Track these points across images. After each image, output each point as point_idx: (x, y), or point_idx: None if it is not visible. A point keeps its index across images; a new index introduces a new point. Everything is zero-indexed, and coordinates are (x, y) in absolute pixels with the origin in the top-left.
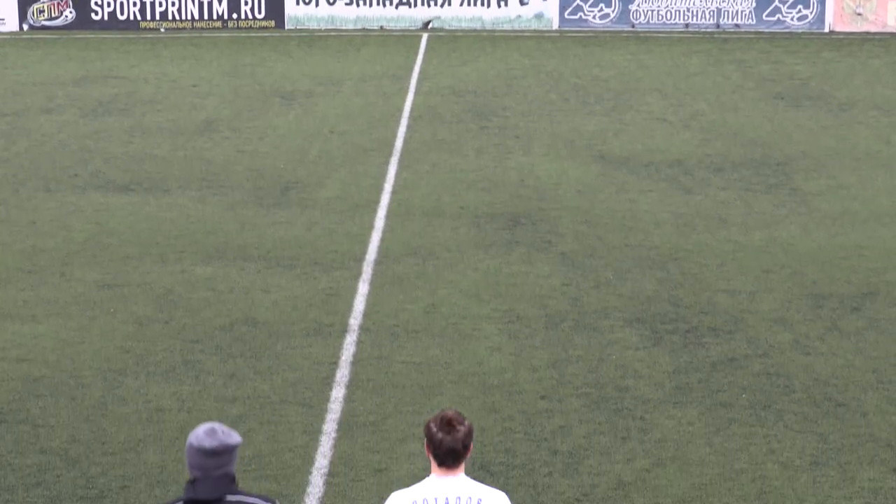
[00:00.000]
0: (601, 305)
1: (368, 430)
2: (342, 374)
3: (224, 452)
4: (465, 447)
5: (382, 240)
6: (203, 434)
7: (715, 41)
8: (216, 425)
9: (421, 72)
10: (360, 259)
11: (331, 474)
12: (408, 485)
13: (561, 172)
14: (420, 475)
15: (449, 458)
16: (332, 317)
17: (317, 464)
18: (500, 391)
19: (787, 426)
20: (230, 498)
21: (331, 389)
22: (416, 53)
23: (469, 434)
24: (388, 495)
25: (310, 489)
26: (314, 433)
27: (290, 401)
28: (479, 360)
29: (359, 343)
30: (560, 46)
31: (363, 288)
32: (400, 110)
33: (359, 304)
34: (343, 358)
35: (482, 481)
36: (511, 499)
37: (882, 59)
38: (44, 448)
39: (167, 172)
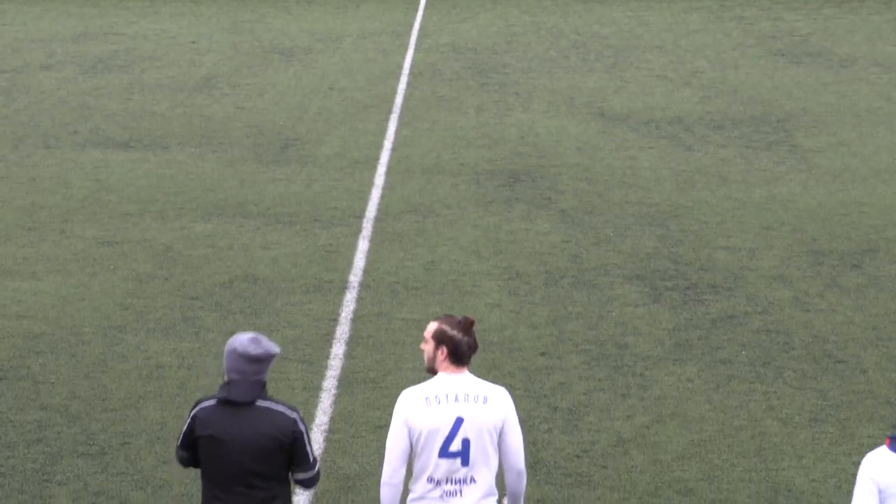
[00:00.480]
0: (601, 262)
1: (368, 387)
2: (342, 330)
3: (266, 360)
4: (475, 347)
5: (382, 197)
6: (248, 341)
7: None
8: (258, 334)
9: (421, 28)
10: (359, 216)
11: (331, 431)
12: None
13: (561, 129)
14: None
15: (465, 356)
16: (331, 273)
17: (317, 420)
18: (500, 348)
19: (786, 383)
20: (260, 403)
21: (331, 346)
22: (415, 10)
23: (474, 335)
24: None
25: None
26: (314, 390)
27: (290, 357)
28: (479, 316)
29: (359, 300)
30: (560, 3)
31: (363, 244)
32: (400, 67)
33: (359, 260)
34: (343, 314)
35: None
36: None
37: (883, 16)
38: (44, 404)
39: (166, 129)
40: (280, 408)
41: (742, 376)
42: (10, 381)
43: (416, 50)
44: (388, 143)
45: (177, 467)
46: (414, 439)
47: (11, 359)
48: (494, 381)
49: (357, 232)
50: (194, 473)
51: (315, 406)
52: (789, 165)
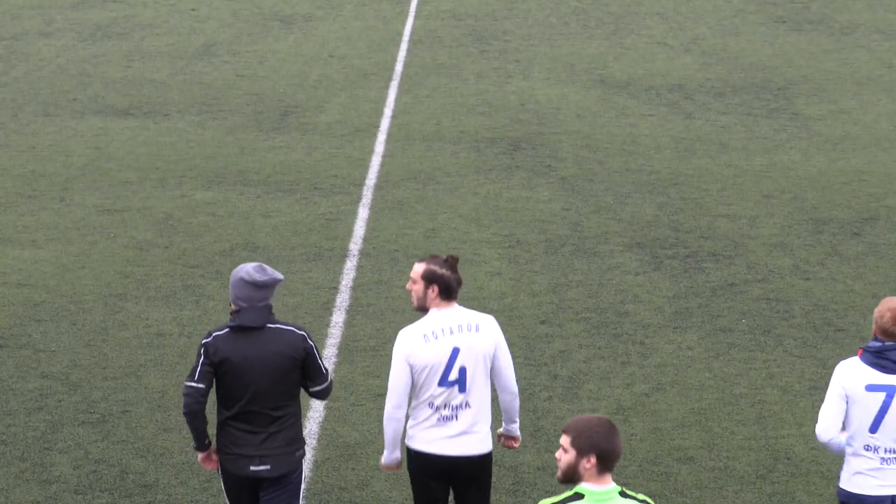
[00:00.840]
0: (601, 230)
1: (368, 355)
2: (342, 298)
3: (272, 285)
4: (461, 283)
5: (382, 164)
6: (252, 269)
7: None
8: (262, 264)
9: None
10: (360, 184)
11: (331, 399)
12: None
13: (561, 97)
14: None
15: (454, 292)
16: (331, 242)
17: None
18: (500, 316)
19: (786, 351)
20: (270, 325)
21: (331, 314)
22: None
23: (459, 276)
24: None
25: (310, 414)
26: None
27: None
28: (479, 284)
29: (359, 268)
30: None
31: (363, 213)
32: (400, 34)
33: (359, 228)
34: (343, 283)
35: None
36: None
37: None
38: (45, 373)
39: (166, 97)
40: (289, 327)
41: (742, 344)
42: (10, 349)
43: (416, 17)
44: (388, 111)
45: (177, 435)
46: (416, 374)
47: (12, 327)
48: None
49: (357, 200)
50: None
51: None
52: (790, 133)
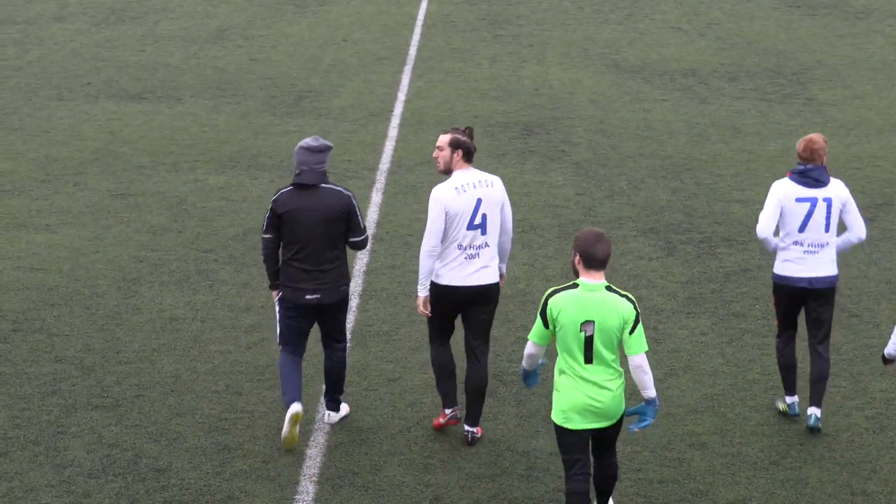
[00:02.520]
0: (615, 215)
1: (382, 340)
2: (355, 283)
3: (324, 151)
4: (475, 148)
5: (396, 149)
6: (310, 139)
7: None
8: (317, 135)
9: None
10: (373, 168)
11: (345, 383)
12: (421, 394)
13: (575, 81)
14: (432, 384)
15: (472, 155)
16: None
17: None
18: (514, 301)
19: (800, 336)
20: (323, 185)
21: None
22: None
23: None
24: (404, 369)
25: (323, 398)
26: None
27: None
28: None
29: (372, 252)
30: None
31: (376, 197)
32: (413, 18)
33: (372, 213)
34: (356, 268)
35: (495, 392)
36: (523, 410)
37: None
38: (59, 357)
39: (180, 81)
40: (339, 188)
41: (755, 330)
42: (24, 333)
43: (430, 1)
44: (401, 95)
45: (191, 420)
46: (449, 220)
47: (26, 311)
48: (508, 334)
49: (371, 184)
50: (207, 426)
51: None
52: (804, 118)
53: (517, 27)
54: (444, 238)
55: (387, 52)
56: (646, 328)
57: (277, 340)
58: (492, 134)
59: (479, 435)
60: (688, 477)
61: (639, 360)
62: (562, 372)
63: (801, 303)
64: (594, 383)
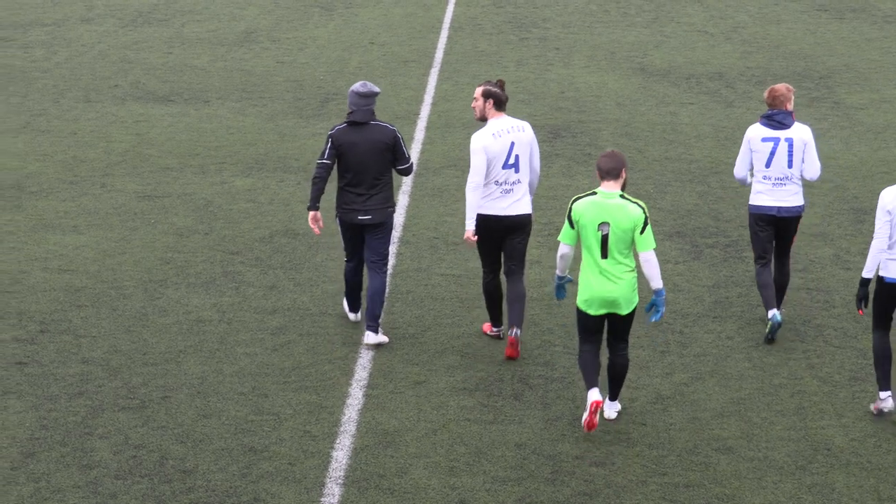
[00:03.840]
0: None
1: (407, 343)
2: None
3: (371, 95)
4: (507, 98)
5: (422, 151)
6: (359, 85)
7: None
8: (366, 81)
9: None
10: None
11: (370, 386)
12: (447, 396)
13: (601, 84)
14: (459, 387)
15: (503, 104)
16: None
17: (356, 375)
18: (539, 304)
19: (826, 341)
20: (372, 122)
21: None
22: None
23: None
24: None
25: (349, 401)
26: (354, 345)
27: (329, 312)
28: None
29: (398, 255)
30: None
31: (403, 200)
32: (440, 21)
33: (398, 216)
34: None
35: (521, 395)
36: (549, 413)
37: None
38: (85, 358)
39: (207, 83)
40: (385, 124)
41: (782, 334)
42: (51, 334)
43: (457, 4)
44: (428, 98)
45: (217, 421)
46: (488, 161)
47: (53, 312)
48: (534, 337)
49: (397, 187)
50: (233, 428)
51: (354, 361)
52: (831, 122)
53: (543, 30)
54: (486, 176)
55: (413, 55)
56: (672, 332)
57: (344, 255)
58: None
59: (519, 334)
60: (714, 481)
61: (647, 255)
62: (584, 267)
63: (773, 228)
64: (609, 275)
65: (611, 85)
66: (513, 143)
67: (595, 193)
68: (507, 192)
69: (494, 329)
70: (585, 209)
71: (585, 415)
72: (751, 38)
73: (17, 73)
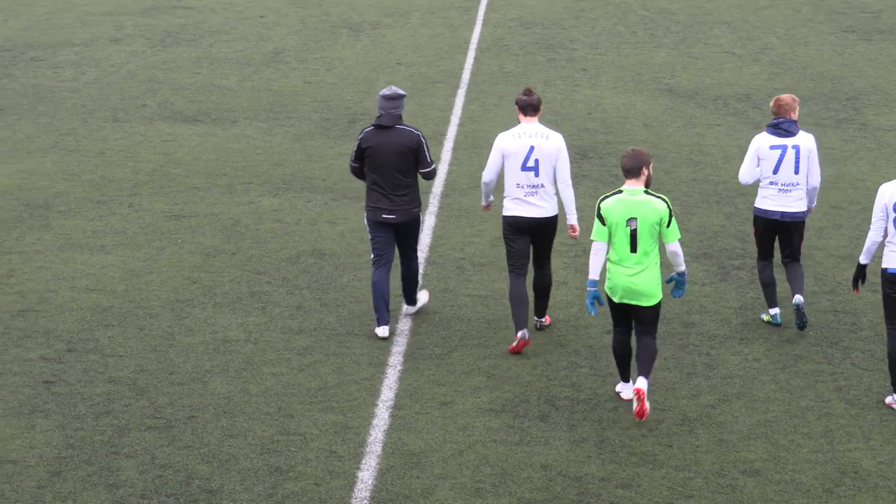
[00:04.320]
0: None
1: (434, 363)
2: (408, 306)
3: (398, 98)
4: (539, 103)
5: (449, 172)
6: (386, 89)
7: None
8: (392, 86)
9: (488, 3)
10: (426, 191)
11: (396, 407)
12: (473, 417)
13: (628, 105)
14: (485, 408)
15: (529, 109)
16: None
17: (382, 396)
18: (566, 325)
19: (854, 364)
20: (398, 126)
21: (397, 322)
22: None
23: (538, 98)
24: (456, 402)
25: (375, 421)
26: (380, 365)
27: (356, 333)
28: None
29: (425, 276)
30: None
31: (430, 220)
32: (467, 42)
33: (425, 236)
34: None
35: (547, 416)
36: (575, 435)
37: None
38: (112, 377)
39: (235, 103)
40: (410, 128)
41: (809, 356)
42: (78, 353)
43: (484, 24)
44: (455, 119)
45: (243, 441)
46: (505, 159)
47: (80, 331)
48: (560, 358)
49: (424, 208)
50: (259, 448)
51: (380, 382)
52: (859, 144)
53: (570, 51)
54: (505, 176)
55: (440, 76)
56: (698, 354)
57: (371, 256)
58: None
59: (547, 323)
60: None
61: (673, 246)
62: (611, 261)
63: (775, 232)
64: (634, 267)
65: (638, 106)
66: (532, 147)
67: (621, 192)
68: (529, 194)
69: (518, 334)
70: (613, 207)
71: (635, 405)
72: (778, 60)
73: (47, 92)
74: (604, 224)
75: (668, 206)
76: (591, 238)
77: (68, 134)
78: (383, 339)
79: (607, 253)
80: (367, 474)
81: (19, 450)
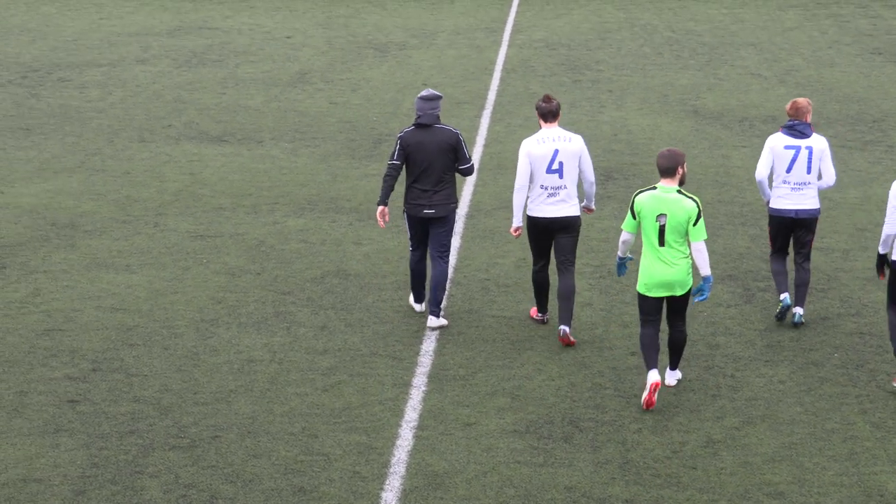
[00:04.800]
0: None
1: (458, 384)
2: (433, 318)
3: (435, 99)
4: (558, 108)
5: (474, 193)
6: (425, 91)
7: None
8: (430, 88)
9: (514, 24)
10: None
11: (420, 427)
12: (497, 438)
13: (654, 127)
14: (509, 429)
15: (549, 115)
16: None
17: (406, 417)
18: (591, 346)
19: (879, 386)
20: (437, 125)
21: (421, 343)
22: (509, 6)
23: (557, 104)
24: (480, 429)
25: (399, 442)
26: (404, 386)
27: (380, 353)
28: None
29: (449, 296)
30: None
31: (455, 241)
32: (493, 63)
33: (451, 257)
34: None
35: (571, 438)
36: (599, 456)
37: None
38: (137, 397)
39: (260, 123)
40: (449, 127)
41: (834, 379)
42: (103, 372)
43: (510, 46)
44: (480, 140)
45: (267, 461)
46: (531, 163)
47: (105, 351)
48: (585, 380)
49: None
50: (283, 468)
51: (404, 402)
52: (885, 165)
53: (596, 72)
54: (532, 179)
55: (466, 97)
56: (723, 376)
57: (409, 245)
58: None
59: (568, 331)
60: None
61: (699, 245)
62: (644, 255)
63: (790, 230)
64: (666, 261)
65: (664, 127)
66: (556, 151)
67: (655, 188)
68: (553, 195)
69: (539, 314)
70: (646, 202)
71: (645, 394)
72: (804, 82)
73: (73, 112)
74: (634, 217)
75: (698, 206)
76: (622, 227)
77: (94, 154)
78: (421, 312)
79: (641, 248)
80: (390, 495)
81: (44, 469)
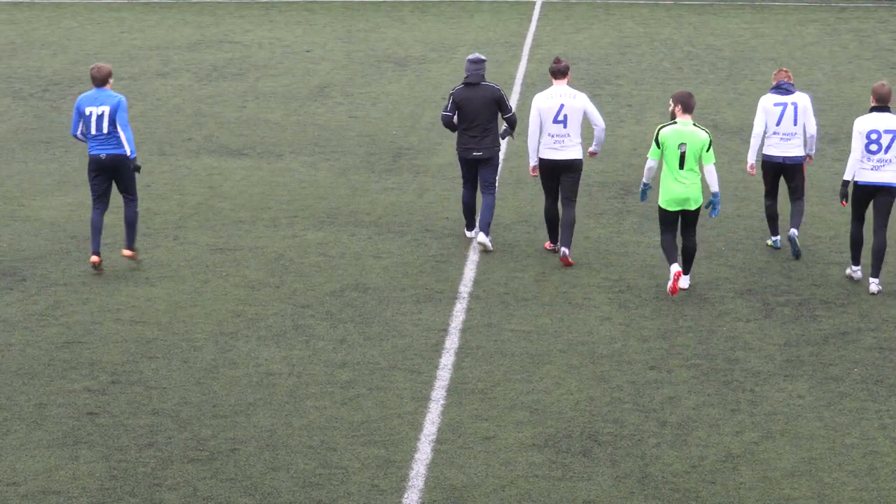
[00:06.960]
0: (712, 276)
1: (477, 398)
2: (451, 341)
3: (480, 62)
4: (567, 68)
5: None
6: (471, 55)
7: (832, 10)
8: (476, 53)
9: (534, 39)
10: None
11: (439, 441)
12: (516, 452)
13: None
14: (527, 443)
15: (558, 74)
16: (442, 284)
17: (425, 430)
18: (610, 361)
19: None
20: (482, 83)
21: (440, 356)
22: (529, 20)
23: (566, 64)
24: (498, 449)
25: (417, 455)
26: (423, 400)
27: (399, 367)
28: (589, 329)
29: (468, 310)
30: (674, 14)
31: (473, 255)
32: (513, 77)
33: (469, 271)
34: (452, 325)
35: (590, 452)
36: (618, 470)
37: None
38: (156, 409)
39: (280, 137)
40: (492, 84)
41: (854, 394)
42: (123, 385)
43: (529, 60)
44: (500, 154)
45: (285, 475)
46: (540, 114)
47: (125, 363)
48: (604, 394)
49: (468, 242)
50: (301, 481)
51: (423, 416)
52: None
53: (616, 87)
54: (541, 128)
55: None
56: (742, 390)
57: (462, 183)
58: (590, 193)
59: (568, 253)
60: None
61: (710, 168)
62: (664, 176)
63: (779, 173)
64: (683, 181)
65: None
66: (562, 105)
67: (675, 122)
68: (558, 142)
69: (552, 245)
70: (669, 134)
71: (670, 282)
72: (824, 97)
73: None
74: (658, 147)
75: (709, 136)
76: (648, 156)
77: None
78: (472, 237)
79: (662, 171)
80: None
81: (63, 481)
